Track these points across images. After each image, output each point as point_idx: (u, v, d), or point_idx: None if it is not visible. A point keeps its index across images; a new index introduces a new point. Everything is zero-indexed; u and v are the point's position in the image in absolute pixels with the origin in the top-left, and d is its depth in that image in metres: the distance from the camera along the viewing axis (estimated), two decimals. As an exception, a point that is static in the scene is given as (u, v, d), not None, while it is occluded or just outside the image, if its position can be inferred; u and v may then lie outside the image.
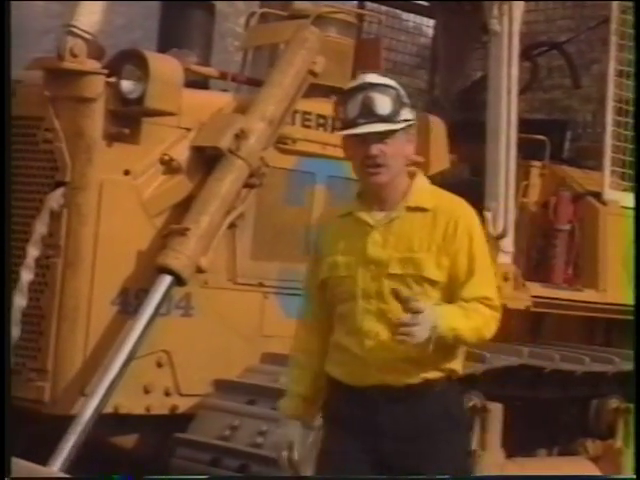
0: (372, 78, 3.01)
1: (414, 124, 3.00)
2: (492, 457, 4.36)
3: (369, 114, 2.93)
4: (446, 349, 2.92)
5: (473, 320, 2.90)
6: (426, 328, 2.78)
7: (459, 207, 3.01)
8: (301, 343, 3.09)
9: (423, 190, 3.03)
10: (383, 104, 2.94)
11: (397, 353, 2.87)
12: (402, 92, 2.99)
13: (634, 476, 4.03)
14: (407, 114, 2.98)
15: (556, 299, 5.04)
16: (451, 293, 2.95)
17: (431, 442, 2.90)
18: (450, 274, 2.95)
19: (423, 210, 2.98)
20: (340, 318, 3.00)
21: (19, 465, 3.28)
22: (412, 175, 3.04)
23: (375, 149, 2.94)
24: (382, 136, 2.94)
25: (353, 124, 2.95)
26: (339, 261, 2.99)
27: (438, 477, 2.86)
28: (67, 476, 3.52)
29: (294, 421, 3.04)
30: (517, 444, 4.63)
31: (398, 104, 2.96)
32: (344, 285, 2.97)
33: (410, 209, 2.99)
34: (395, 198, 3.00)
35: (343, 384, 2.96)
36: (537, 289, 4.98)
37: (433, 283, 2.93)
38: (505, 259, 4.77)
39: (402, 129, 2.96)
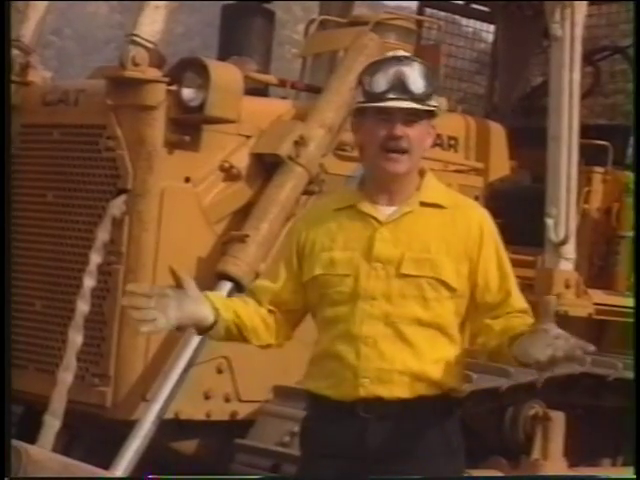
0: (407, 54, 2.69)
1: (437, 114, 2.65)
2: (554, 466, 4.31)
3: (401, 89, 2.56)
4: (446, 364, 2.61)
5: None
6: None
7: (477, 209, 2.71)
8: (259, 293, 2.73)
9: (437, 187, 2.71)
10: (417, 81, 2.58)
11: (395, 364, 2.58)
12: (434, 77, 2.67)
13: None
14: (436, 101, 2.65)
15: (619, 307, 4.97)
16: (471, 306, 2.64)
17: (421, 466, 2.58)
18: (472, 285, 2.63)
19: (439, 207, 2.65)
20: (329, 323, 2.67)
21: (81, 469, 3.31)
22: (422, 173, 2.71)
23: (400, 130, 2.57)
24: (411, 117, 2.58)
25: (379, 98, 2.57)
26: (337, 258, 2.64)
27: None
28: (129, 480, 3.55)
29: (204, 300, 2.60)
30: (580, 453, 4.58)
31: (431, 87, 2.61)
32: (343, 285, 2.63)
33: (425, 205, 2.65)
34: (407, 192, 2.65)
35: (328, 399, 2.66)
36: (599, 296, 4.91)
37: (450, 290, 2.61)
38: (567, 266, 4.71)
39: (430, 116, 2.62)
